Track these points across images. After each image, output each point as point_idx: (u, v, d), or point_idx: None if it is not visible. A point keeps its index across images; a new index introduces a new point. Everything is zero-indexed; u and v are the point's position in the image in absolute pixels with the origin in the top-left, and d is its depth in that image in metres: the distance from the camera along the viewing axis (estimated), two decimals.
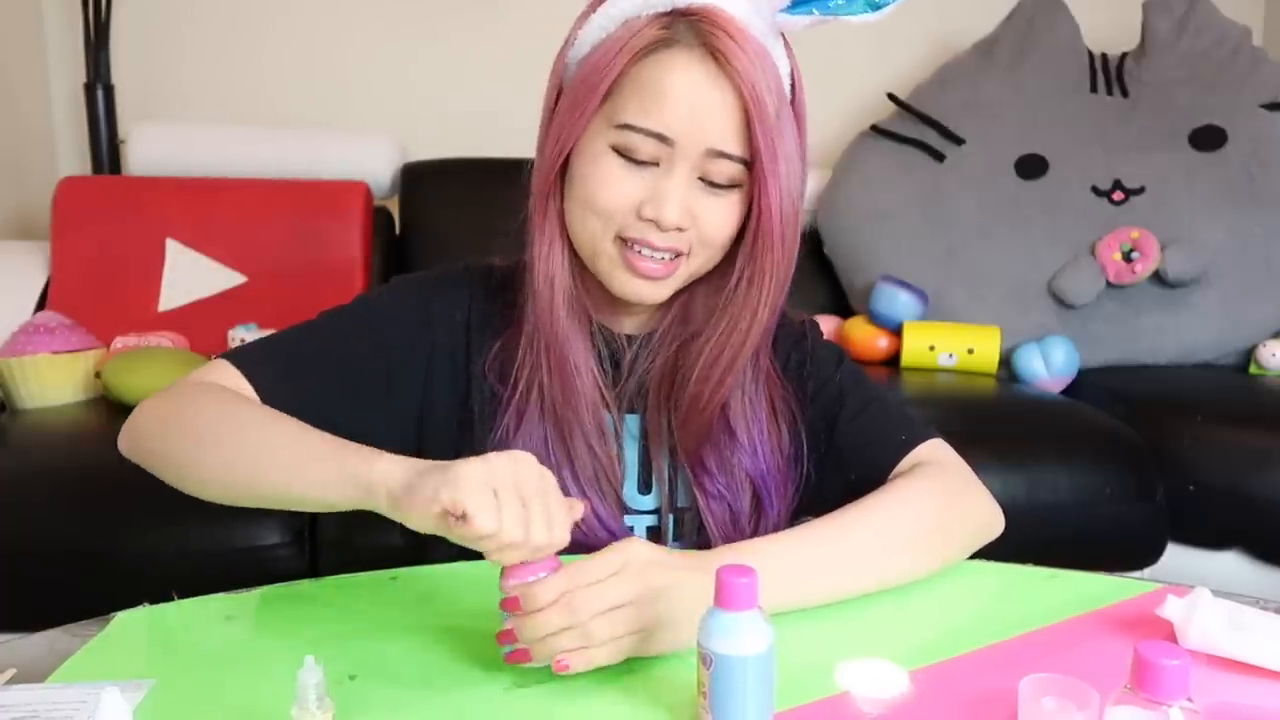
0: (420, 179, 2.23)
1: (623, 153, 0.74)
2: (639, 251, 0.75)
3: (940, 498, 0.78)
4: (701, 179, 0.74)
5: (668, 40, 0.72)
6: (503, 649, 0.60)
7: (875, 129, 2.32)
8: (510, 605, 0.59)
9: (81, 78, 2.28)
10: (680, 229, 0.74)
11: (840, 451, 0.84)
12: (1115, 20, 2.42)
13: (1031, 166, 2.19)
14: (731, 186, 0.75)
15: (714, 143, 0.73)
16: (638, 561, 0.62)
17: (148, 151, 2.13)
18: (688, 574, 0.63)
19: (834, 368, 0.88)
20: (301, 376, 0.77)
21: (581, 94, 0.75)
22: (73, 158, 2.38)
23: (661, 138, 0.72)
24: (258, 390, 0.75)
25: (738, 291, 0.79)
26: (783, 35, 0.79)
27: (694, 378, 0.80)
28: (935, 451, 0.83)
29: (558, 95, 0.79)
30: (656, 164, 0.74)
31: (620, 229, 0.75)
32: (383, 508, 0.60)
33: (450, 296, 0.84)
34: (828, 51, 2.61)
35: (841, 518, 0.74)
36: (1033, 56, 2.28)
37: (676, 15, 0.72)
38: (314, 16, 2.42)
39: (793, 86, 0.78)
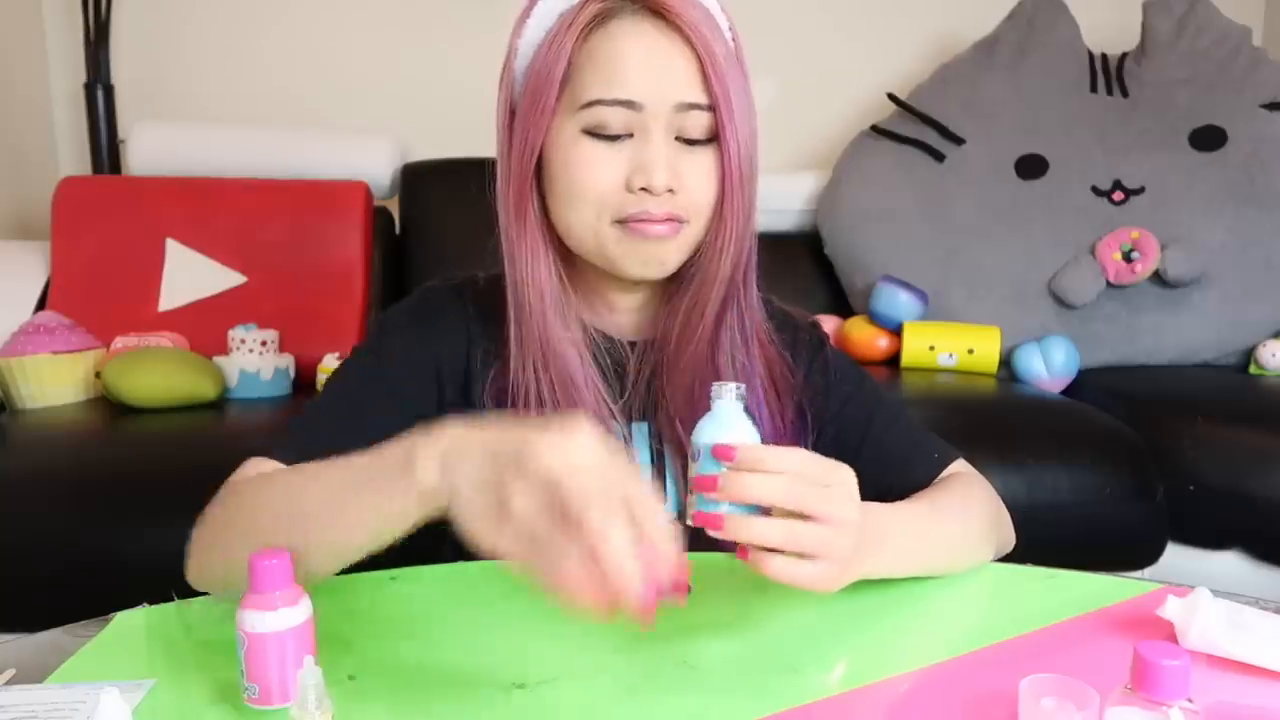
0: (420, 179, 2.23)
1: (595, 132, 0.74)
2: (640, 222, 0.75)
3: (993, 503, 0.83)
4: (678, 138, 0.75)
5: (610, 11, 0.74)
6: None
7: (875, 129, 2.32)
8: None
9: (81, 78, 2.28)
10: (672, 191, 0.74)
11: (871, 463, 0.83)
12: (1115, 20, 2.42)
13: (1031, 166, 2.19)
14: (708, 141, 0.75)
15: (680, 96, 0.73)
16: (856, 493, 0.60)
17: (148, 151, 2.13)
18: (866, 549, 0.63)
19: (858, 382, 0.89)
20: (331, 451, 0.71)
21: (539, 87, 0.75)
22: (73, 158, 2.39)
23: (629, 104, 0.73)
24: None
25: (704, 243, 0.79)
26: None
27: (674, 339, 0.80)
28: (965, 467, 0.86)
29: (511, 109, 0.78)
30: (631, 135, 0.74)
31: (615, 210, 0.75)
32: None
33: (446, 318, 0.83)
34: (828, 51, 2.63)
35: (936, 501, 0.78)
36: (1033, 56, 2.28)
37: None
38: (314, 17, 2.42)
39: (733, 40, 0.79)
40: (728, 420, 0.61)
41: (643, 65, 0.73)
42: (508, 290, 0.79)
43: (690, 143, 0.75)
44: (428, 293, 0.86)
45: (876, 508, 0.69)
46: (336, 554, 0.62)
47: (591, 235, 0.76)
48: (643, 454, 0.82)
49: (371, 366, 0.81)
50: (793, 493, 0.57)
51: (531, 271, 0.78)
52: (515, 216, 0.78)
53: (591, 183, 0.74)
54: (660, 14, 0.73)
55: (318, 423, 0.78)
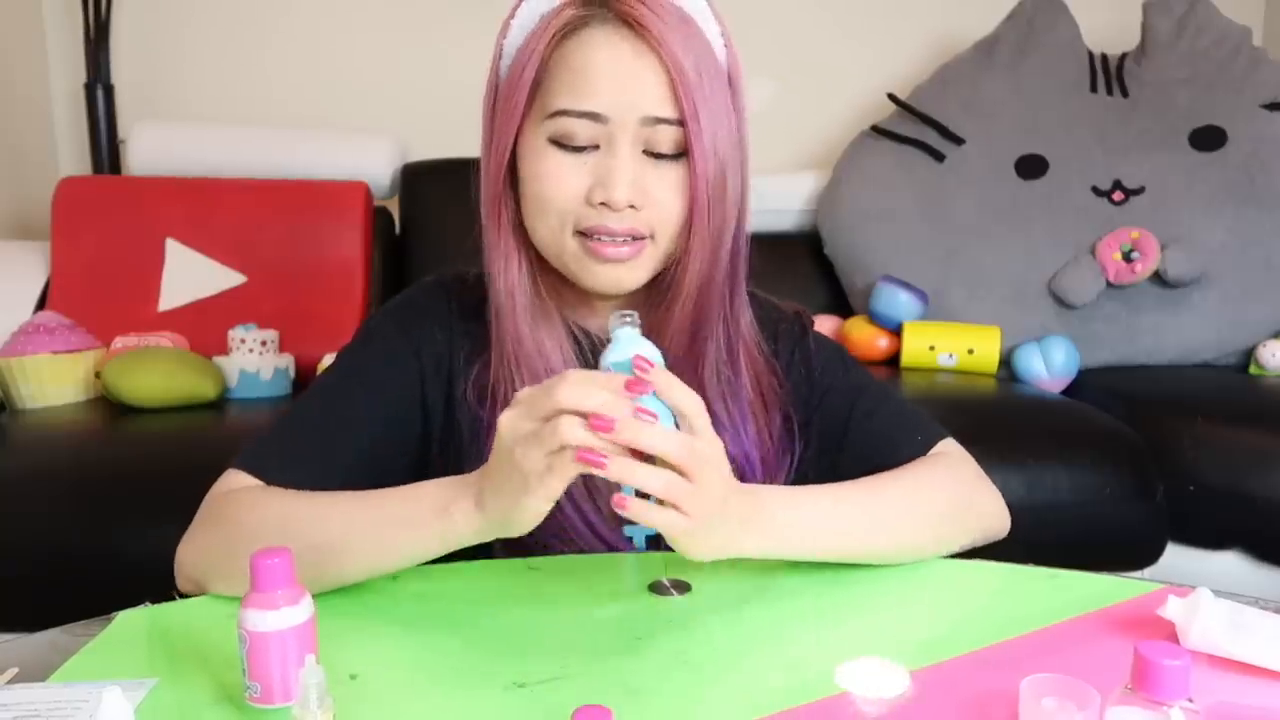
0: (420, 179, 2.23)
1: (561, 142, 0.73)
2: (600, 239, 0.74)
3: (956, 486, 0.81)
4: (646, 151, 0.74)
5: (584, 19, 0.73)
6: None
7: (875, 129, 2.32)
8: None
9: (81, 78, 2.28)
10: (633, 207, 0.73)
11: (856, 450, 0.83)
12: (1115, 20, 2.42)
13: (1031, 166, 2.19)
14: (678, 155, 0.74)
15: (647, 109, 0.72)
16: (725, 465, 0.63)
17: (148, 151, 2.13)
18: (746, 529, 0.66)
19: (842, 369, 0.88)
20: (314, 464, 0.76)
21: (511, 90, 0.75)
22: (73, 158, 2.39)
23: (594, 116, 0.72)
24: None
25: (676, 257, 0.78)
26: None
27: None
28: (950, 447, 0.85)
29: (493, 109, 0.78)
30: (597, 146, 0.73)
31: (576, 221, 0.74)
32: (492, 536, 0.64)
33: (430, 316, 0.83)
34: (828, 51, 2.63)
35: (870, 484, 0.76)
36: (1033, 56, 2.29)
37: None
38: (314, 17, 2.42)
39: (726, 47, 0.77)
40: (633, 342, 0.62)
41: (611, 77, 0.72)
42: (489, 285, 0.80)
43: (659, 156, 0.74)
44: (415, 292, 0.87)
45: (764, 489, 0.71)
46: (352, 580, 0.70)
47: (554, 245, 0.77)
48: None
49: (356, 374, 0.81)
50: (681, 452, 0.58)
51: (505, 273, 0.78)
52: (490, 218, 0.78)
53: (552, 193, 0.74)
54: (631, 25, 0.72)
55: (303, 440, 0.78)
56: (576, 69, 0.72)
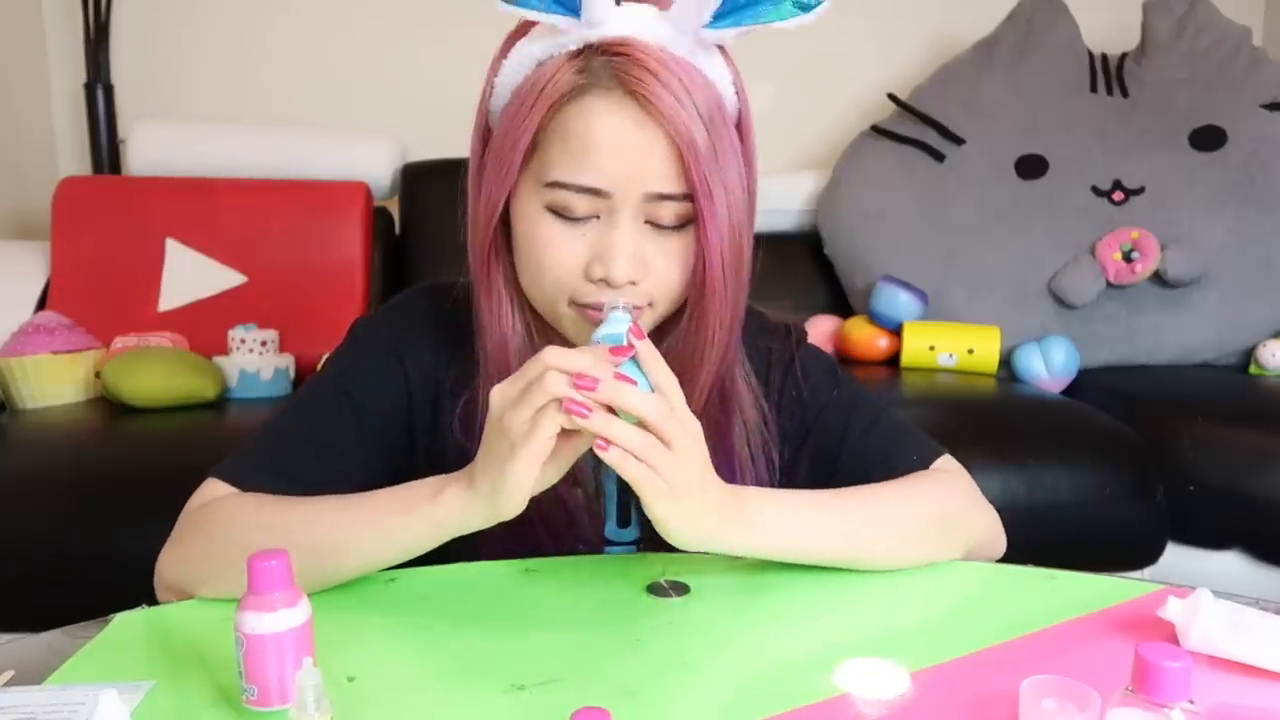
0: (420, 179, 2.23)
1: (559, 211, 0.70)
2: (597, 309, 0.71)
3: (950, 499, 0.80)
4: (649, 222, 0.70)
5: (585, 85, 0.68)
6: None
7: (875, 129, 2.32)
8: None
9: (81, 78, 2.28)
10: (633, 282, 0.70)
11: (851, 470, 0.82)
12: (1115, 20, 2.42)
13: (1031, 166, 2.19)
14: (682, 225, 0.71)
15: (651, 186, 0.68)
16: (704, 451, 0.65)
17: (148, 151, 2.13)
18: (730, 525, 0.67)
19: (832, 388, 0.86)
20: (295, 476, 0.74)
21: (504, 151, 0.71)
22: (73, 158, 2.39)
23: (596, 191, 0.68)
24: None
25: (681, 327, 0.75)
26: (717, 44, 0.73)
27: None
28: (948, 464, 0.84)
29: (484, 145, 0.75)
30: (597, 216, 0.70)
31: (572, 295, 0.72)
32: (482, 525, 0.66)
33: (418, 337, 0.81)
34: (828, 52, 2.63)
35: (858, 492, 0.76)
36: (1033, 56, 2.28)
37: (591, 52, 0.68)
38: (314, 17, 2.42)
39: (737, 94, 0.74)
40: (623, 321, 0.64)
41: (613, 152, 0.67)
42: (475, 331, 0.78)
43: (661, 227, 0.71)
44: (403, 306, 0.85)
45: (748, 488, 0.71)
46: (348, 576, 0.71)
47: (550, 311, 0.74)
48: (609, 480, 0.80)
49: (341, 386, 0.80)
50: (659, 414, 0.61)
51: (498, 322, 0.76)
52: (479, 265, 0.76)
53: (550, 263, 0.71)
54: (636, 97, 0.67)
55: (284, 451, 0.77)
56: (576, 135, 0.68)
